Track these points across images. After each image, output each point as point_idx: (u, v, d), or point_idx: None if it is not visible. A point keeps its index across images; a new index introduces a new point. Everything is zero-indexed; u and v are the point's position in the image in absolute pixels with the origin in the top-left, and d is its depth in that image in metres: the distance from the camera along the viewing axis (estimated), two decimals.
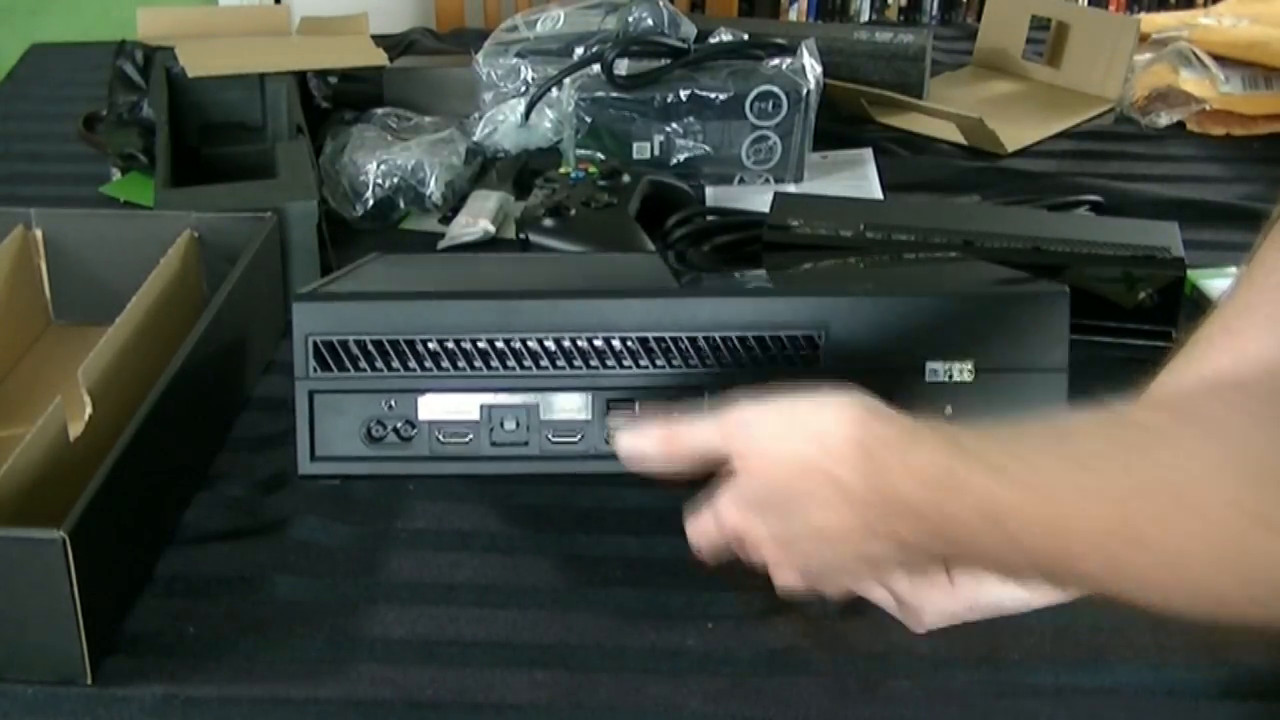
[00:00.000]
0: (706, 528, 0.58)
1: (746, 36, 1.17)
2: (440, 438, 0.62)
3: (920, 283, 0.69)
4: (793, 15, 2.47)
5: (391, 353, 0.61)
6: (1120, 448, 0.47)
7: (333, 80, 1.19)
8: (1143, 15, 1.63)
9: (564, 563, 0.70)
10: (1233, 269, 0.82)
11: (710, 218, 1.02)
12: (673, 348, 0.59)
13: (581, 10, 1.23)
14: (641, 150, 1.11)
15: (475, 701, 0.62)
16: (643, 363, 0.60)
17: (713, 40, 1.16)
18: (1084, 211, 1.05)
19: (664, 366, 0.60)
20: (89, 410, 0.68)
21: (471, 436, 0.62)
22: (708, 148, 1.11)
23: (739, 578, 0.58)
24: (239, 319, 0.83)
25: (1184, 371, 0.58)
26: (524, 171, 1.11)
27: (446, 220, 1.06)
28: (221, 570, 0.70)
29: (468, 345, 0.61)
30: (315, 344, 0.62)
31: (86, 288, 0.92)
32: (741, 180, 1.12)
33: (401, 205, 1.07)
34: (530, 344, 0.60)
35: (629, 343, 0.60)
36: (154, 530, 0.72)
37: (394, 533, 0.73)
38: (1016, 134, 1.20)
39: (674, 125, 1.10)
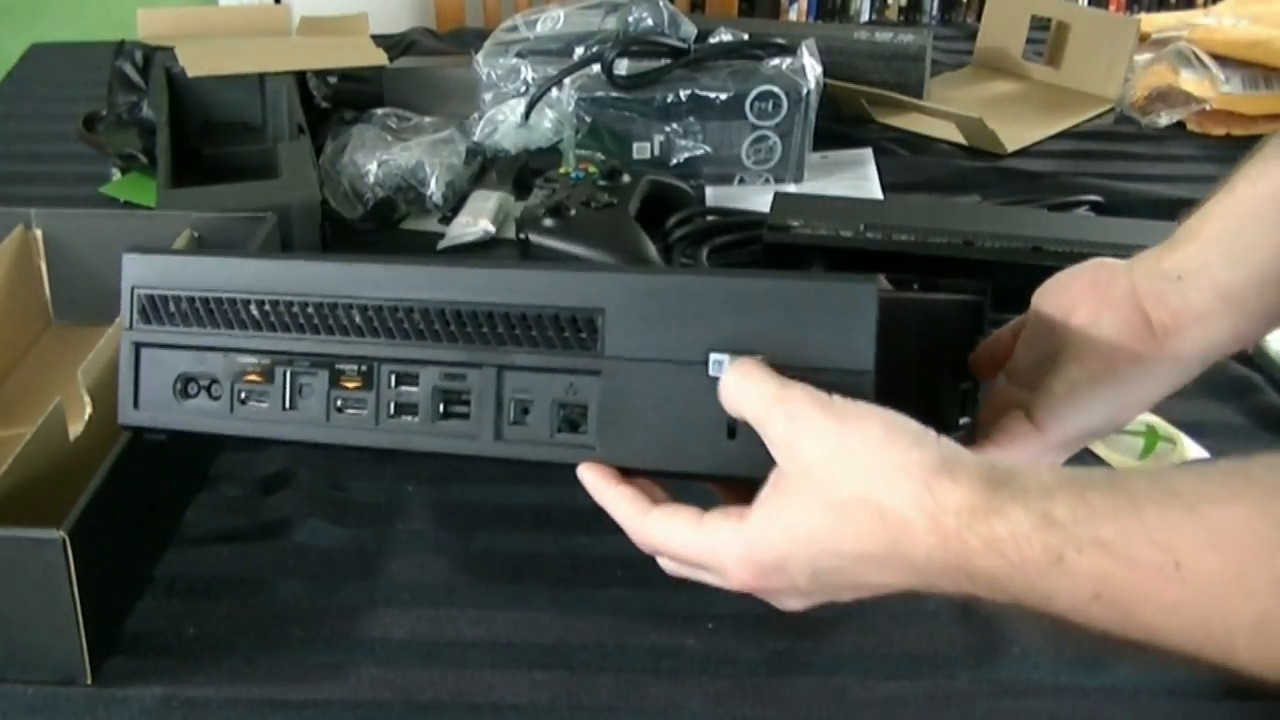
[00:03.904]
0: (687, 570, 0.55)
1: (746, 36, 1.17)
2: (241, 399, 0.63)
3: None
4: (793, 15, 2.47)
5: (201, 310, 0.63)
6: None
7: (333, 80, 1.19)
8: (1143, 15, 1.63)
9: (564, 563, 0.70)
10: None
11: (710, 218, 1.02)
12: (448, 317, 0.58)
13: (581, 10, 1.23)
14: (641, 150, 1.11)
15: (475, 702, 0.62)
16: (419, 331, 0.59)
17: (713, 40, 1.16)
18: (1084, 211, 1.05)
19: (439, 339, 0.59)
20: (89, 410, 0.68)
21: (268, 402, 0.62)
22: (708, 148, 1.11)
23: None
24: None
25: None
26: (524, 171, 1.11)
27: (446, 220, 1.06)
28: (222, 571, 0.70)
29: (266, 307, 0.62)
30: (139, 296, 0.64)
31: (86, 288, 0.92)
32: (741, 180, 1.12)
33: (401, 205, 1.07)
34: (320, 309, 0.61)
35: (401, 311, 0.59)
36: (154, 530, 0.72)
37: (394, 534, 0.73)
38: (1016, 134, 1.20)
39: (674, 125, 1.10)
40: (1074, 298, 0.61)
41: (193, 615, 0.67)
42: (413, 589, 0.69)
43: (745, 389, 0.52)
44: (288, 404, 0.62)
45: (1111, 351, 0.59)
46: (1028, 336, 0.63)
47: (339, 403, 0.61)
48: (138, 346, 0.64)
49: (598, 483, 0.56)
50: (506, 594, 0.68)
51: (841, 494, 0.48)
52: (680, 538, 0.53)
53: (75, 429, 0.67)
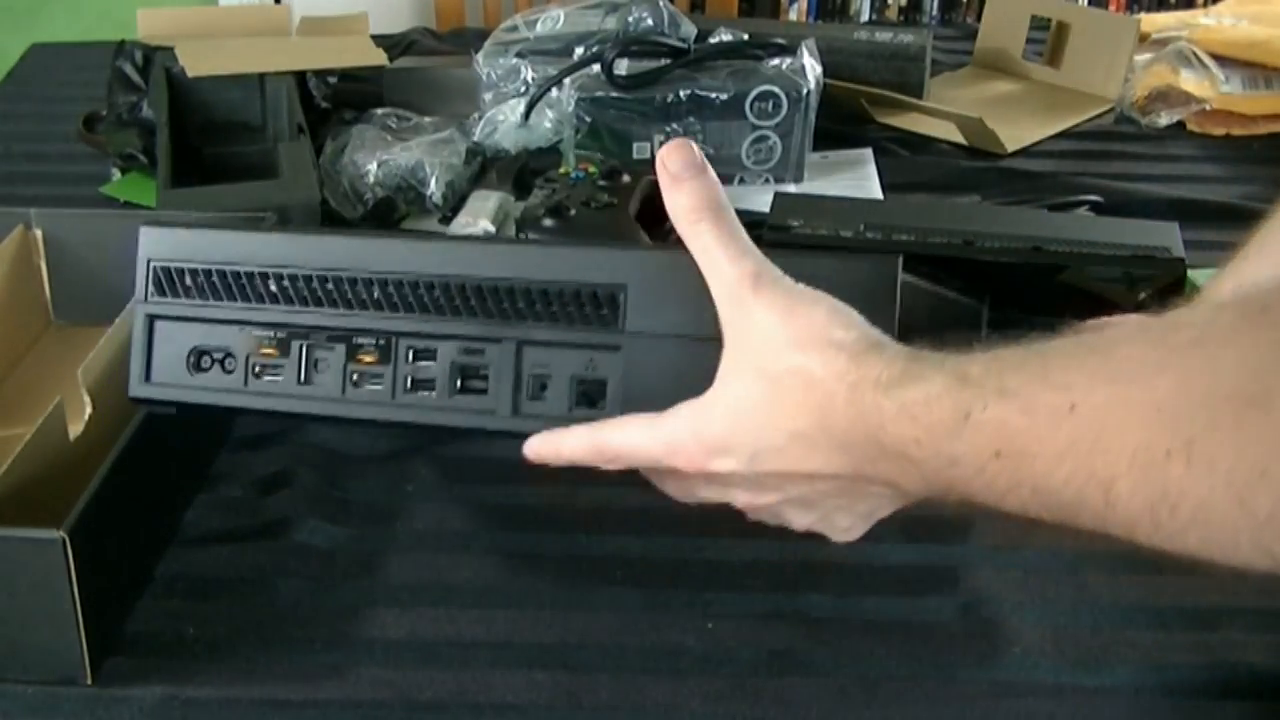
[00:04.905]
0: (628, 452, 0.56)
1: (746, 36, 1.17)
2: (255, 372, 0.63)
3: None
4: (793, 15, 2.47)
5: (218, 283, 0.63)
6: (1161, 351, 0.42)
7: (333, 80, 1.19)
8: (1143, 15, 1.63)
9: (564, 563, 0.70)
10: None
11: None
12: (469, 291, 0.58)
13: (581, 10, 1.23)
14: (641, 150, 1.11)
15: (475, 702, 0.62)
16: (438, 306, 0.59)
17: (713, 40, 1.16)
18: (1084, 211, 1.05)
19: (459, 313, 0.59)
20: (89, 410, 0.68)
21: (283, 376, 0.62)
22: (708, 148, 1.11)
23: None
24: None
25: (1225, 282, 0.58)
26: (524, 171, 1.11)
27: (446, 220, 1.06)
28: (222, 571, 0.70)
29: (285, 281, 0.62)
30: (155, 269, 0.64)
31: (86, 288, 0.92)
32: (741, 180, 1.12)
33: (401, 205, 1.07)
34: (339, 283, 0.61)
35: (422, 286, 0.59)
36: (154, 530, 0.72)
37: (393, 534, 0.73)
38: (1016, 134, 1.20)
39: (674, 125, 1.10)
40: None
41: (193, 615, 0.67)
42: (413, 589, 0.69)
43: (721, 246, 0.55)
44: (303, 378, 0.62)
45: None
46: None
47: (355, 377, 0.61)
48: (151, 319, 0.64)
49: (546, 446, 0.57)
50: (506, 594, 0.68)
51: (779, 366, 0.50)
52: (636, 437, 0.55)
53: (75, 429, 0.67)
